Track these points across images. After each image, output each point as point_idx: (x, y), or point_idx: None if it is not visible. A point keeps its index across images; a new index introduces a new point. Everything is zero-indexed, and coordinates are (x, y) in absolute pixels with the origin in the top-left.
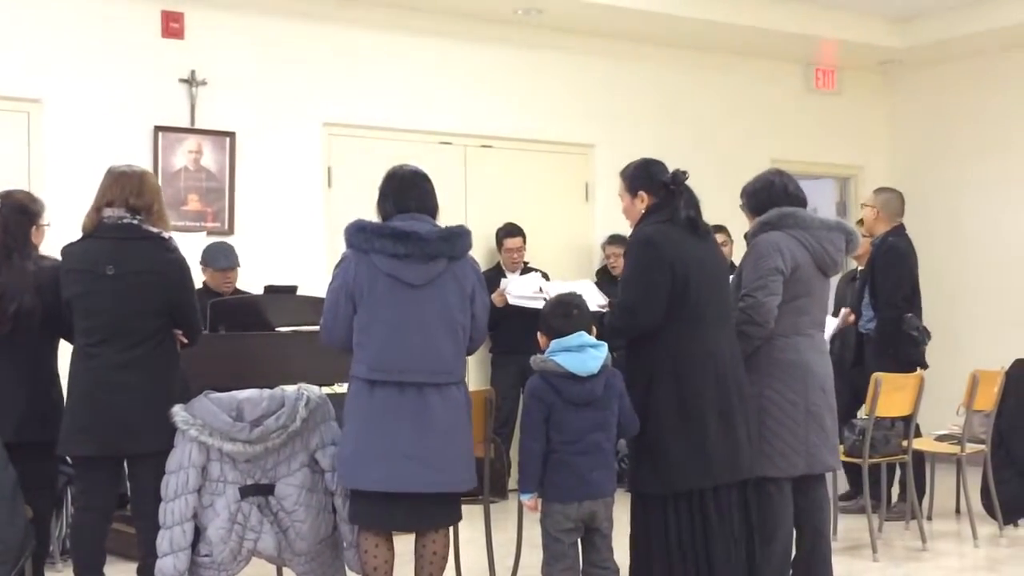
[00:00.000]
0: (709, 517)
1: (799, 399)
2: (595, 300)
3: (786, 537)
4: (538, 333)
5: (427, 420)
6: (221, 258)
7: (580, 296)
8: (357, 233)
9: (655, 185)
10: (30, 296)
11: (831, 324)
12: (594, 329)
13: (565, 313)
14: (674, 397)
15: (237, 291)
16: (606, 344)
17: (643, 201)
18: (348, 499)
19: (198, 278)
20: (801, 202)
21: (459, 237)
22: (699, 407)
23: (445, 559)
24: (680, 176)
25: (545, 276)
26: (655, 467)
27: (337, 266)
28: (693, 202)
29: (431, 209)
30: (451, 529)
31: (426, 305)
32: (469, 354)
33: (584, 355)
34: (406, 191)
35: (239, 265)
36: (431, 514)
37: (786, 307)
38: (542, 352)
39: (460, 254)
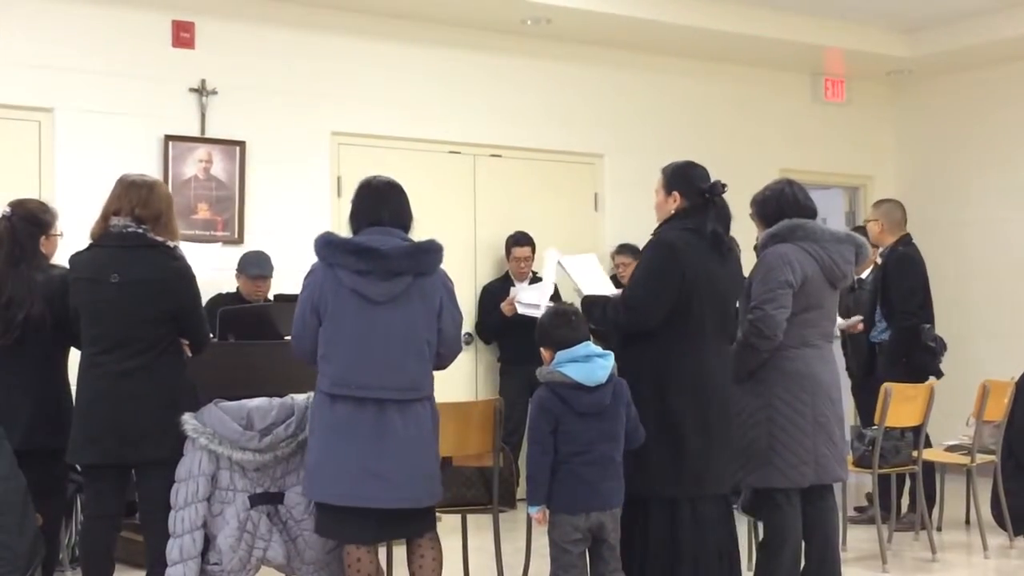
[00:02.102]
0: (681, 527)
1: (807, 409)
2: (601, 275)
3: (795, 548)
4: (540, 349)
5: (385, 436)
6: (253, 266)
7: (574, 305)
8: (324, 246)
9: (691, 189)
10: (38, 305)
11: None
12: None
13: (566, 322)
14: (655, 408)
15: (267, 300)
16: (612, 353)
17: (675, 201)
18: (314, 511)
19: (221, 286)
20: (811, 212)
21: (426, 253)
22: (678, 421)
23: (440, 562)
24: (718, 187)
25: (555, 287)
26: (634, 471)
27: (306, 278)
28: (723, 217)
29: (405, 222)
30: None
31: (389, 321)
32: (439, 368)
33: (592, 365)
34: (379, 203)
35: (271, 275)
36: (398, 527)
37: (795, 319)
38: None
39: (428, 270)
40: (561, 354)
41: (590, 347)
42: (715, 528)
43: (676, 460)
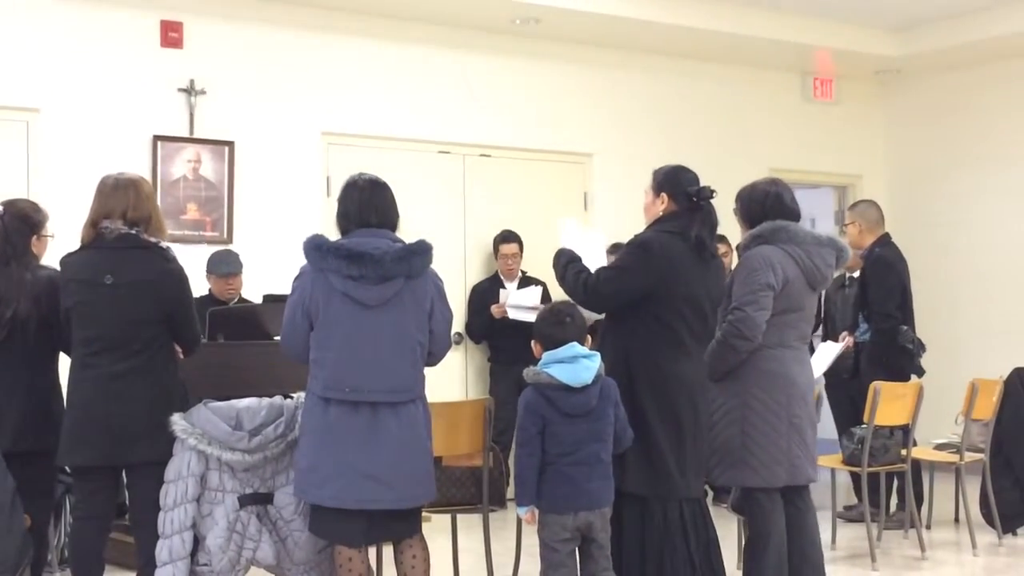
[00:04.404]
0: (650, 529)
1: (782, 410)
2: (600, 254)
3: (779, 545)
4: (532, 342)
5: (380, 438)
6: (222, 264)
7: (575, 305)
8: (313, 251)
9: (679, 192)
10: (26, 303)
11: (832, 350)
12: (589, 339)
13: (558, 321)
14: (629, 406)
15: (243, 300)
16: (599, 354)
17: (663, 203)
18: (307, 511)
19: (204, 286)
20: (795, 215)
21: (416, 255)
22: (650, 421)
23: (427, 562)
24: (705, 192)
25: (544, 287)
26: (615, 467)
27: (296, 280)
28: (709, 223)
29: (392, 221)
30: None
31: (381, 325)
32: (429, 365)
33: (577, 366)
34: (366, 204)
35: (241, 271)
36: (388, 528)
37: (774, 320)
38: (537, 360)
39: (417, 273)
40: (547, 355)
41: (576, 348)
42: (687, 532)
43: (647, 462)
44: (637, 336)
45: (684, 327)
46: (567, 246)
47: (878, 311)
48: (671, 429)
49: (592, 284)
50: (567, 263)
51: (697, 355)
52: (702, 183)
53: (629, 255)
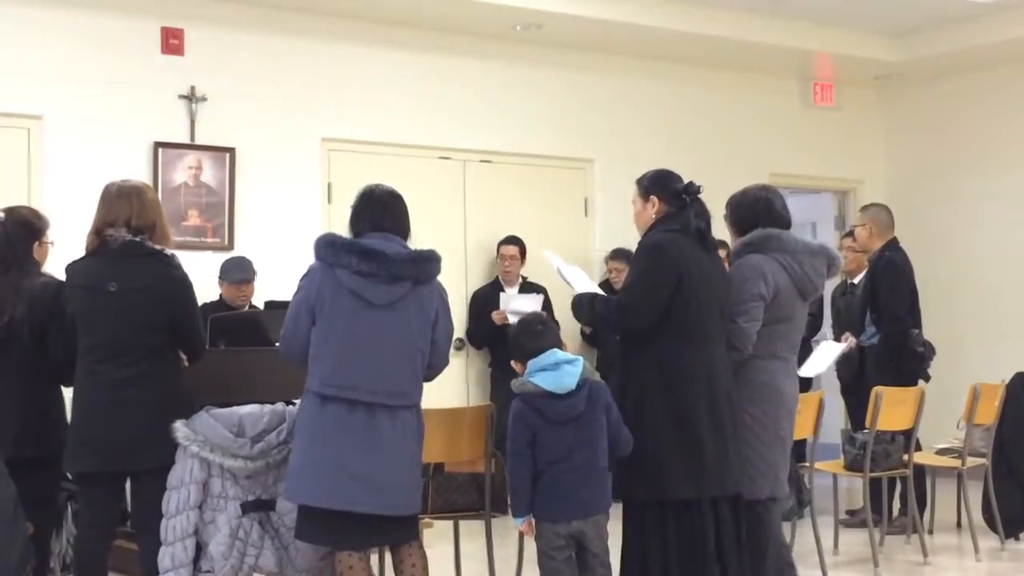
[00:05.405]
0: (704, 529)
1: (770, 423)
2: (586, 282)
3: (776, 552)
4: (511, 362)
5: (374, 441)
6: (236, 271)
7: (543, 314)
8: (325, 246)
9: (668, 193)
10: (23, 309)
11: (834, 350)
12: (565, 345)
13: (531, 331)
14: (668, 408)
15: (253, 306)
16: (581, 359)
17: (654, 206)
18: (296, 515)
19: (214, 292)
20: (786, 222)
21: (427, 261)
22: (692, 419)
23: (426, 570)
24: (693, 187)
25: (545, 292)
26: (649, 474)
27: (303, 278)
28: (704, 215)
29: (405, 231)
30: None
31: (386, 326)
32: (428, 380)
33: (560, 372)
34: (382, 210)
35: (254, 279)
36: (383, 533)
37: (765, 330)
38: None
39: (427, 279)
40: (531, 363)
41: (558, 355)
42: (733, 527)
43: (695, 461)
44: (668, 335)
45: (709, 319)
46: (558, 267)
47: (889, 314)
48: (715, 424)
49: (622, 301)
50: (591, 302)
51: (724, 346)
52: (702, 188)
53: (643, 259)
